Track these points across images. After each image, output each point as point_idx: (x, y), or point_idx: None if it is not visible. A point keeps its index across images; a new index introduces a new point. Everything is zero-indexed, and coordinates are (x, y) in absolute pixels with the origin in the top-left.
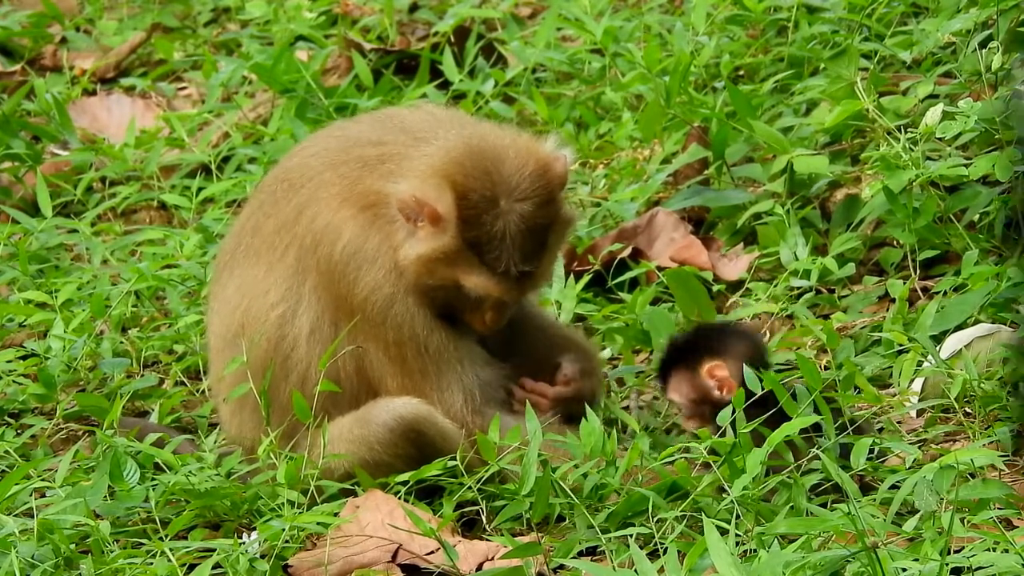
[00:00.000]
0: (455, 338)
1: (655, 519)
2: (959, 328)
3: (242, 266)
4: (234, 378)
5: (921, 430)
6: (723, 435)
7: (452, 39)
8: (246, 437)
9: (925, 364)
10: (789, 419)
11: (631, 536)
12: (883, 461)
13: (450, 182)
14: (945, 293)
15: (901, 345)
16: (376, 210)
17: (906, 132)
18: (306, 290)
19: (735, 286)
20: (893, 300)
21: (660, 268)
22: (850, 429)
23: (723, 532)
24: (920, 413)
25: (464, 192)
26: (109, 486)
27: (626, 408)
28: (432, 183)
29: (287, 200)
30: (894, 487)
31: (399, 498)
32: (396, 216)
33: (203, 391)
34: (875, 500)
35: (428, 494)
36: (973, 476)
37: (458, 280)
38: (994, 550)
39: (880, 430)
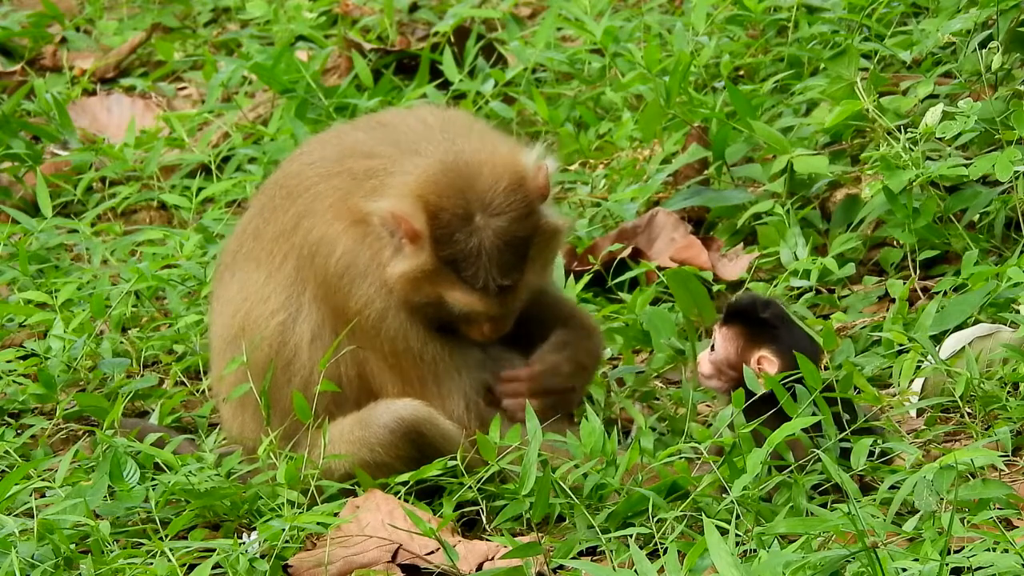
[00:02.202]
0: (451, 346)
1: (655, 519)
2: (959, 328)
3: (243, 269)
4: (235, 380)
5: (922, 429)
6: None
7: (452, 39)
8: (247, 438)
9: (925, 364)
10: (789, 419)
11: (631, 536)
12: (885, 461)
13: (423, 201)
14: (945, 293)
15: (901, 345)
16: (365, 227)
17: (906, 132)
18: (306, 299)
19: (735, 286)
20: (893, 300)
21: (660, 268)
22: (848, 430)
23: (723, 532)
24: (920, 413)
25: (436, 211)
26: (109, 486)
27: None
28: (407, 202)
29: (285, 209)
30: (894, 487)
31: (399, 498)
32: (383, 232)
33: (203, 391)
34: (875, 500)
35: (428, 494)
36: (973, 476)
37: (441, 296)
38: (994, 550)
39: (880, 430)
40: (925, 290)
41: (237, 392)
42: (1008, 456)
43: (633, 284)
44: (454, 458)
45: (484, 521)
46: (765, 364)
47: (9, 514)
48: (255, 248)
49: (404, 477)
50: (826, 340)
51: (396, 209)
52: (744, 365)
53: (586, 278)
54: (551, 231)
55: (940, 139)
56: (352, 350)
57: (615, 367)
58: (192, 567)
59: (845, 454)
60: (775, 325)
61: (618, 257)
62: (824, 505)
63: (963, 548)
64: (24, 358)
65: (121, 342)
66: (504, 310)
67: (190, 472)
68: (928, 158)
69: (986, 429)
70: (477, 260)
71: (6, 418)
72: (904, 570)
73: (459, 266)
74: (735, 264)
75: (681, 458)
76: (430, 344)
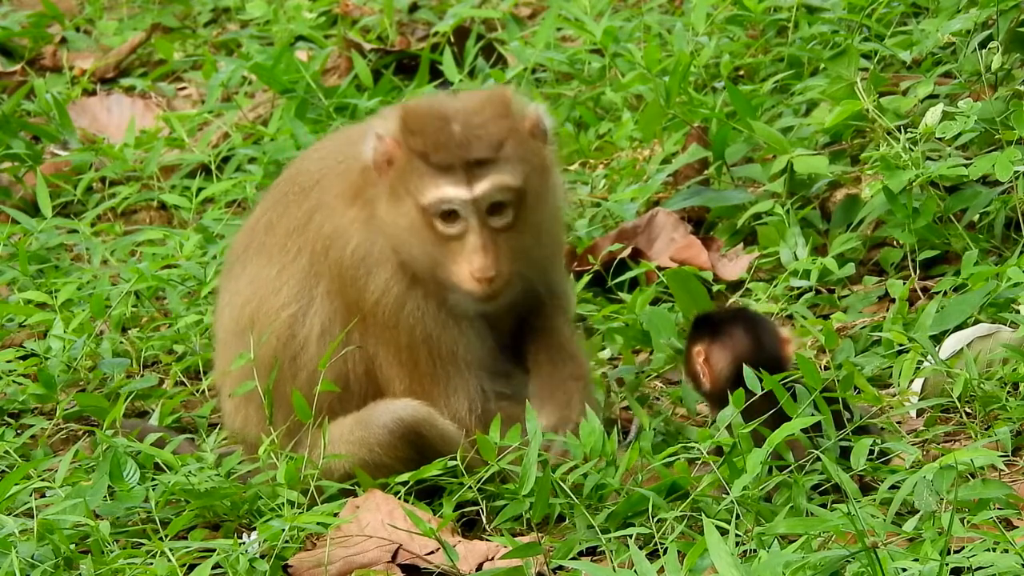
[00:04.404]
0: (466, 340)
1: (655, 519)
2: (959, 328)
3: (254, 263)
4: (241, 373)
5: (922, 429)
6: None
7: (452, 39)
8: (250, 433)
9: (925, 364)
10: (789, 419)
11: (631, 536)
12: (885, 461)
13: (402, 115)
14: (945, 293)
15: (901, 345)
16: (372, 208)
17: (906, 132)
18: (318, 293)
19: (735, 286)
20: (893, 300)
21: (660, 268)
22: (848, 430)
23: (723, 532)
24: (920, 413)
25: (413, 116)
26: (109, 486)
27: (627, 408)
28: (389, 124)
29: (298, 204)
30: (894, 487)
31: (399, 498)
32: (375, 178)
33: (203, 391)
34: (875, 500)
35: (428, 494)
36: (973, 476)
37: (417, 201)
38: (994, 550)
39: (880, 430)
40: (925, 290)
41: (242, 389)
42: (1008, 456)
43: (633, 284)
44: (454, 458)
45: (484, 521)
46: (699, 358)
47: (9, 514)
48: (267, 242)
49: (404, 477)
50: (827, 340)
51: (379, 131)
52: (695, 370)
53: (586, 278)
54: (540, 159)
55: (940, 139)
56: (362, 347)
57: (615, 367)
58: (192, 567)
59: (845, 454)
60: (710, 319)
61: (618, 257)
62: (824, 505)
63: (963, 548)
64: (24, 358)
65: (121, 342)
66: (475, 195)
67: (190, 472)
68: (928, 158)
69: (986, 429)
70: (446, 143)
71: (6, 418)
72: (904, 570)
73: (429, 155)
74: (735, 264)
75: (681, 458)
76: (447, 331)
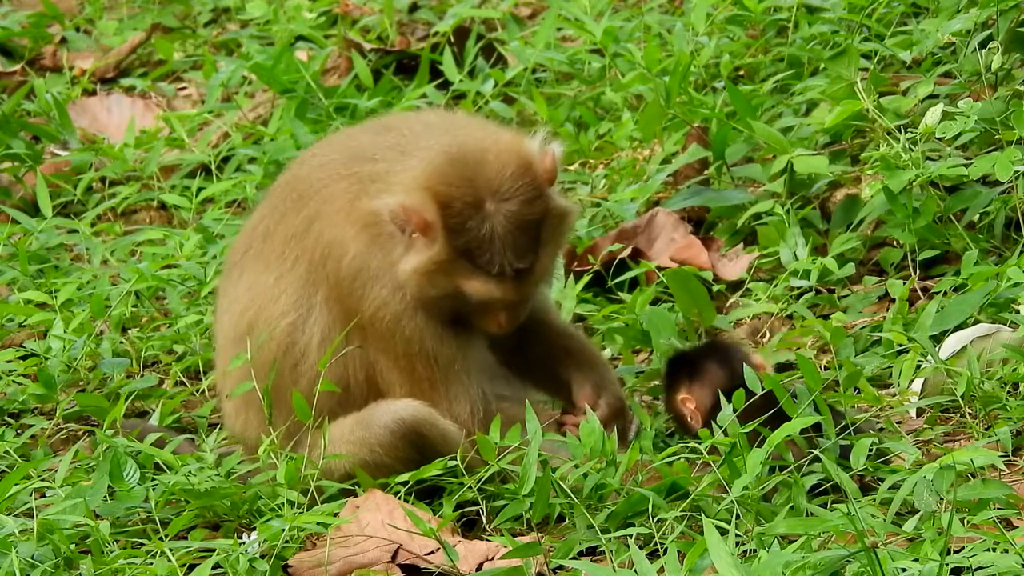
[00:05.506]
0: (465, 349)
1: (655, 519)
2: (959, 328)
3: (252, 269)
4: (241, 377)
5: (924, 428)
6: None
7: (452, 39)
8: (250, 436)
9: (925, 364)
10: (789, 420)
11: (631, 536)
12: (885, 461)
13: (432, 193)
14: (945, 293)
15: (901, 345)
16: (376, 228)
17: (906, 132)
18: (317, 301)
19: (735, 286)
20: (893, 300)
21: (660, 268)
22: (851, 429)
23: (723, 532)
24: (920, 413)
25: (447, 201)
26: (109, 486)
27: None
28: (416, 195)
29: (296, 211)
30: (894, 487)
31: (399, 498)
32: (394, 232)
33: (203, 391)
34: (875, 500)
35: (428, 494)
36: (973, 476)
37: (458, 287)
38: (994, 550)
39: (880, 430)
40: (925, 290)
41: (241, 389)
42: (1008, 456)
43: (633, 284)
44: (454, 458)
45: (484, 521)
46: (688, 404)
47: (9, 514)
48: (265, 249)
49: (404, 477)
50: (833, 337)
51: (406, 202)
52: (680, 413)
53: (586, 278)
54: (561, 215)
55: (940, 139)
56: (362, 353)
57: (615, 367)
58: (192, 567)
59: (845, 454)
60: (686, 361)
61: (618, 257)
62: (824, 505)
63: (963, 548)
64: (24, 358)
65: (121, 342)
66: (521, 295)
67: (190, 472)
68: (928, 158)
69: (986, 429)
70: (491, 246)
71: (6, 418)
72: (904, 570)
73: (474, 254)
74: (735, 264)
75: (681, 458)
76: (445, 346)
